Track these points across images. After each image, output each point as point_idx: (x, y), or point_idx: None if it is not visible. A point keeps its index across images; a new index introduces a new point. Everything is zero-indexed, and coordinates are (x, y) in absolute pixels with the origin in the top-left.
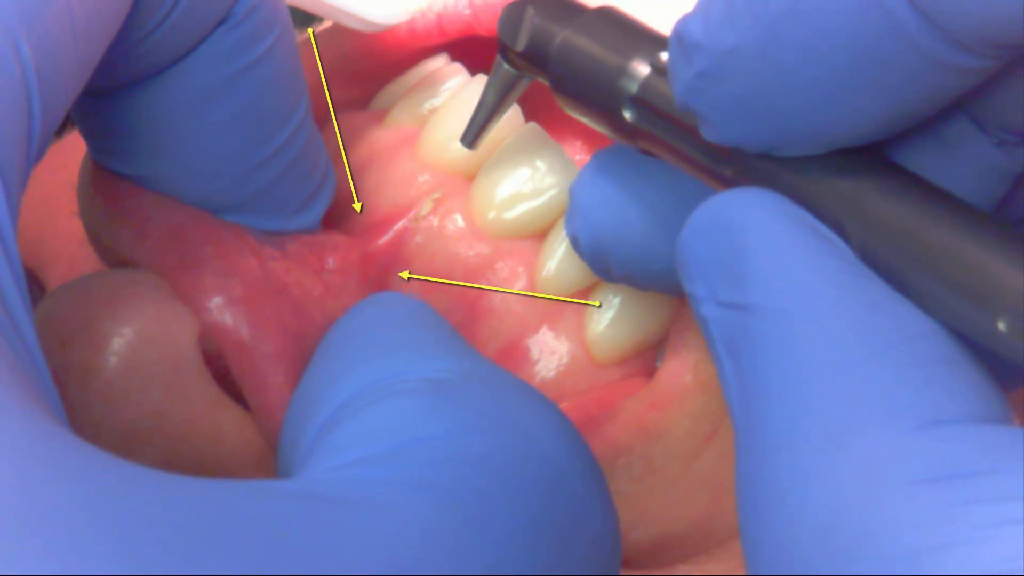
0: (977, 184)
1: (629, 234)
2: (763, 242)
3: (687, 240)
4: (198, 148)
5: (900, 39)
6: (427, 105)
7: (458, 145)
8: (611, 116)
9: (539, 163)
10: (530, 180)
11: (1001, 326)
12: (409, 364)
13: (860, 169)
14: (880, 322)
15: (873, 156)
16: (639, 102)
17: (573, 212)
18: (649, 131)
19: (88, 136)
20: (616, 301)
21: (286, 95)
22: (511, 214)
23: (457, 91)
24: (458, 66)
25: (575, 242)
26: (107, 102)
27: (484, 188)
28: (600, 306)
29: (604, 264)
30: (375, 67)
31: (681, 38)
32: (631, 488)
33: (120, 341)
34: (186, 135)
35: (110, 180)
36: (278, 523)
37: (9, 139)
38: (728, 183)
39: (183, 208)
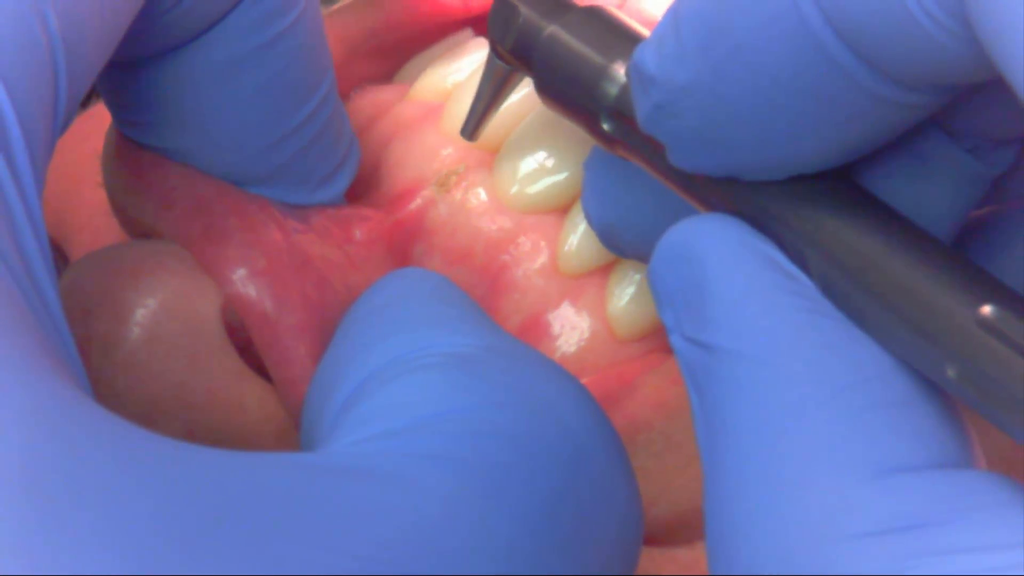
0: (953, 191)
1: (639, 216)
2: (721, 279)
3: (654, 268)
4: (223, 120)
5: (840, 77)
6: (451, 79)
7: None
8: (591, 121)
9: (562, 138)
10: (553, 155)
11: (950, 371)
12: (432, 339)
13: (823, 195)
14: (836, 364)
15: (839, 180)
16: (616, 114)
17: (584, 190)
18: (625, 143)
19: (113, 107)
20: (637, 277)
21: (311, 68)
22: (534, 188)
23: (480, 65)
24: (482, 40)
25: (588, 219)
26: (133, 73)
27: (507, 162)
28: (622, 281)
29: (615, 243)
30: (400, 41)
31: (638, 69)
32: (651, 464)
33: (143, 312)
34: (211, 107)
35: (134, 151)
36: (301, 495)
37: (35, 110)
38: (701, 201)
39: (208, 180)
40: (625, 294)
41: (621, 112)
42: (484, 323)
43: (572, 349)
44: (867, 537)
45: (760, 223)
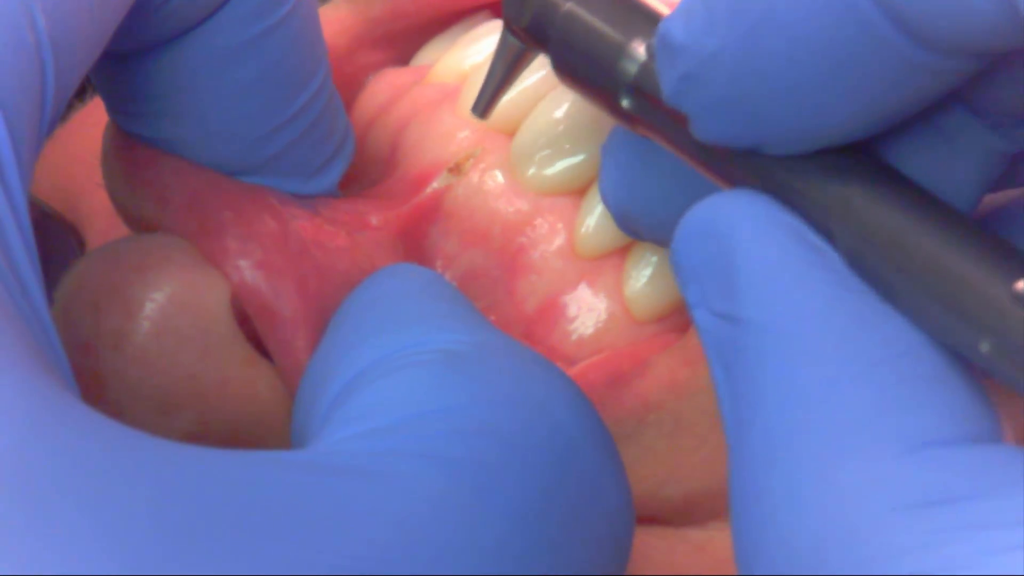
0: (974, 168)
1: (658, 201)
2: (751, 253)
3: (678, 244)
4: (218, 111)
5: (877, 45)
6: (469, 61)
7: (500, 101)
8: (610, 100)
9: (580, 120)
10: (571, 137)
11: (983, 346)
12: (422, 336)
13: (850, 170)
14: (868, 339)
15: (865, 155)
16: (636, 91)
17: (602, 174)
18: (646, 120)
19: (108, 98)
20: (655, 259)
21: (306, 59)
22: (551, 171)
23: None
24: (499, 23)
25: (605, 204)
26: (127, 65)
27: (524, 144)
28: (639, 263)
29: (632, 227)
30: (408, 28)
31: (664, 40)
32: (662, 444)
33: (152, 306)
34: (206, 98)
35: (131, 147)
36: (290, 495)
37: (23, 110)
38: (723, 177)
39: (202, 173)
40: (642, 276)
41: (641, 89)
42: (475, 320)
43: (589, 331)
44: (900, 511)
45: (785, 198)
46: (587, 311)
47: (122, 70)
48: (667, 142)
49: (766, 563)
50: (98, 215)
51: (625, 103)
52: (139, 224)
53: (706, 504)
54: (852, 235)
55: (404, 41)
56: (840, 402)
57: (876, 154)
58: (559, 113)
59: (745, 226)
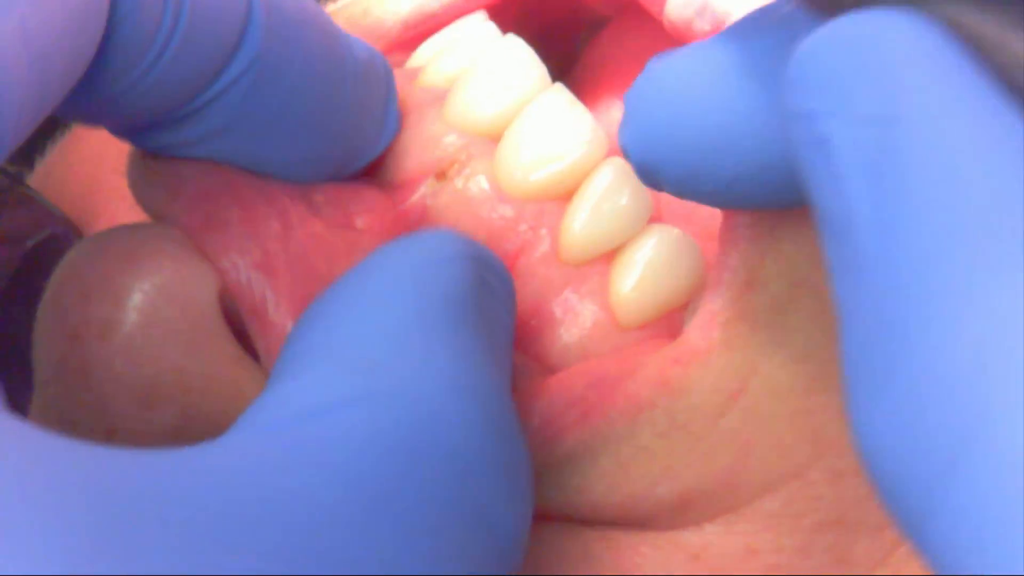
0: None
1: (683, 148)
2: (920, 53)
3: (813, 51)
4: (265, 159)
5: None
6: (457, 65)
7: (484, 106)
8: None
9: (565, 125)
10: (555, 142)
11: None
12: (359, 329)
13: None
14: None
15: None
16: None
17: (625, 123)
18: None
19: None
20: (641, 264)
21: (330, 91)
22: (535, 176)
23: (484, 52)
24: (490, 26)
25: (625, 153)
26: (152, 137)
27: (509, 150)
28: (625, 269)
29: (653, 180)
30: (430, 31)
31: None
32: (655, 443)
33: (141, 296)
34: (246, 153)
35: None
36: (192, 496)
37: None
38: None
39: (218, 171)
40: (628, 282)
41: None
42: (429, 321)
43: (575, 338)
44: None
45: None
46: (572, 317)
47: (149, 141)
48: None
49: (905, 379)
50: (102, 215)
51: None
52: (155, 216)
53: (701, 503)
54: (1008, 62)
55: (418, 42)
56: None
57: None
58: (544, 118)
59: (910, 31)
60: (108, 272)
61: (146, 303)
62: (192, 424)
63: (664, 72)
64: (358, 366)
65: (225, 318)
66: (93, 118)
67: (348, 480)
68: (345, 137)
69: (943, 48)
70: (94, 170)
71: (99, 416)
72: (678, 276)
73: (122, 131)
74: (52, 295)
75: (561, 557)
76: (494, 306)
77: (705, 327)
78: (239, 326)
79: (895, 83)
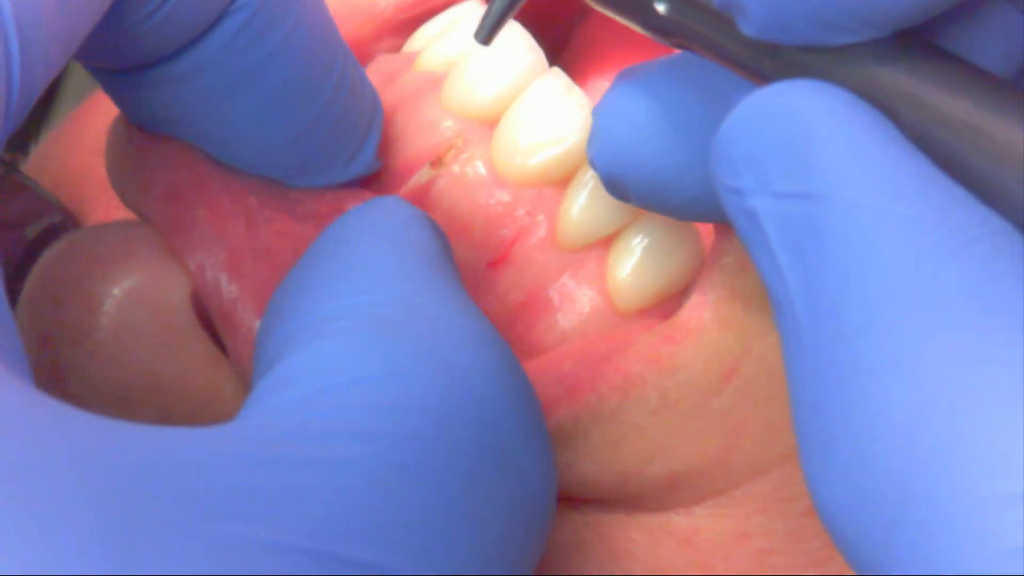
0: (1004, 53)
1: (647, 166)
2: (830, 128)
3: (733, 128)
4: (241, 128)
5: None
6: (454, 50)
7: (481, 91)
8: (643, 10)
9: (562, 109)
10: (552, 127)
11: None
12: (358, 296)
13: (912, 57)
14: (964, 215)
15: (920, 43)
16: None
17: (592, 137)
18: (685, 25)
19: (126, 113)
20: (639, 249)
21: (320, 62)
22: (533, 161)
23: None
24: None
25: (592, 166)
26: (136, 86)
27: (506, 135)
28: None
29: (619, 193)
30: (426, 13)
31: None
32: (646, 421)
33: (111, 301)
34: (226, 119)
35: (133, 132)
36: (223, 473)
37: None
38: (772, 80)
39: (187, 167)
40: (625, 267)
41: None
42: (422, 277)
43: (572, 323)
44: (1006, 385)
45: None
46: (570, 303)
47: (133, 91)
48: (709, 48)
49: (848, 444)
50: (96, 202)
51: (661, 7)
52: (132, 210)
53: (692, 483)
54: (925, 120)
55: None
56: (940, 275)
57: (926, 41)
58: (541, 103)
59: (821, 103)
60: (79, 276)
61: (117, 308)
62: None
63: (628, 92)
64: (379, 331)
65: (200, 319)
66: (102, 54)
67: (383, 445)
68: (318, 134)
69: (854, 115)
70: (89, 157)
71: None
72: (676, 261)
73: (119, 68)
74: (26, 299)
75: (551, 544)
76: (453, 263)
77: (698, 307)
78: (215, 326)
79: (810, 160)
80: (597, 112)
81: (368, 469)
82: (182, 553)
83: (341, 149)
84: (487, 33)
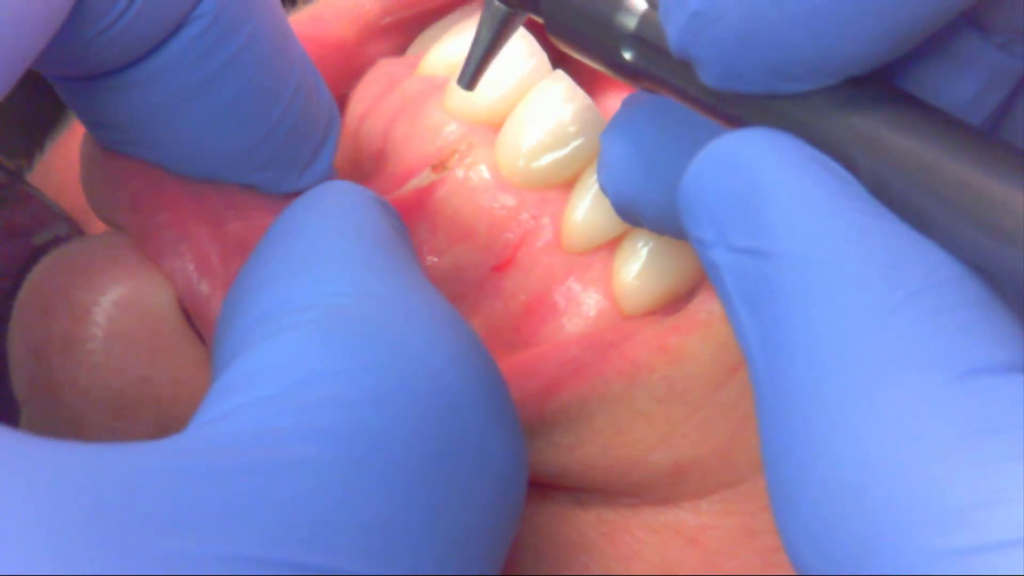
0: (983, 89)
1: (655, 190)
2: (779, 182)
3: (693, 180)
4: (197, 136)
5: None
6: (458, 53)
7: (485, 95)
8: (610, 55)
9: (566, 112)
10: (556, 129)
11: None
12: (310, 287)
13: (869, 101)
14: (907, 266)
15: (880, 86)
16: (638, 41)
17: (600, 164)
18: (650, 71)
19: (88, 125)
20: (644, 252)
21: (277, 71)
22: (537, 164)
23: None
24: None
25: (604, 192)
26: (94, 94)
27: (510, 138)
28: (628, 257)
29: (633, 217)
30: (419, 15)
31: None
32: (653, 409)
33: (99, 310)
34: (182, 126)
35: (97, 149)
36: (175, 486)
37: None
38: (735, 123)
39: (148, 173)
40: (631, 270)
41: (644, 39)
42: (375, 263)
43: (578, 327)
44: (958, 439)
45: (803, 136)
46: (576, 306)
47: (91, 99)
48: (674, 92)
49: (807, 501)
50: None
51: (627, 55)
52: (107, 222)
53: (695, 475)
54: (880, 165)
55: (419, 28)
56: (883, 331)
57: (891, 84)
58: (545, 106)
59: (770, 156)
60: (65, 287)
61: (105, 316)
62: (168, 431)
63: (634, 119)
64: (331, 322)
65: (190, 323)
66: (60, 63)
67: (338, 442)
68: (274, 141)
69: (804, 165)
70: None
71: (75, 431)
72: (681, 264)
73: (78, 76)
74: (17, 313)
75: (556, 543)
76: (409, 243)
77: (706, 300)
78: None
79: (760, 215)
80: (604, 137)
81: (322, 469)
82: (131, 569)
83: (297, 157)
84: (469, 79)
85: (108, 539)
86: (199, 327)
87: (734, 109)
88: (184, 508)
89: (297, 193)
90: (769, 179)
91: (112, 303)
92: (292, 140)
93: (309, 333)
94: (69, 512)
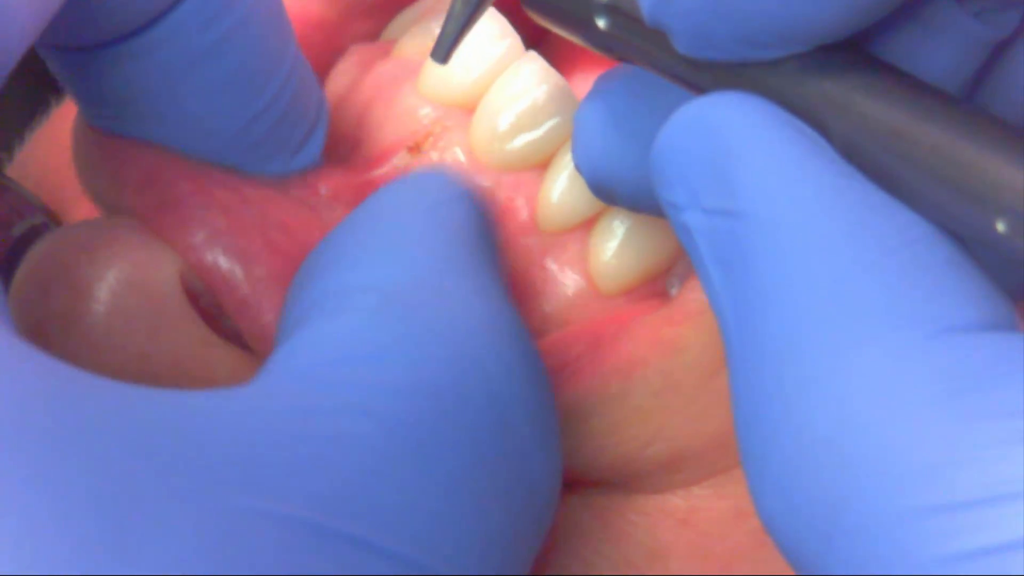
0: (958, 58)
1: (630, 166)
2: (750, 143)
3: (665, 144)
4: (191, 111)
5: None
6: (432, 36)
7: (458, 77)
8: (584, 25)
9: (539, 93)
10: (530, 110)
11: (1000, 226)
12: (383, 268)
13: (841, 67)
14: (879, 225)
15: (853, 52)
16: (612, 10)
17: (575, 141)
18: (624, 40)
19: (78, 100)
20: (620, 231)
21: (272, 49)
22: (511, 146)
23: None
24: None
25: (579, 170)
26: (90, 67)
27: (484, 120)
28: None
29: (607, 194)
30: None
31: None
32: (649, 403)
33: (100, 286)
34: (176, 100)
35: (93, 132)
36: (236, 439)
37: None
38: (709, 91)
39: (154, 151)
40: (608, 249)
41: (618, 8)
42: (448, 256)
43: (556, 307)
44: (932, 396)
45: (776, 103)
46: (553, 286)
47: (87, 73)
48: (648, 62)
49: (779, 458)
50: (78, 201)
51: (602, 24)
52: (110, 211)
53: (692, 464)
54: (852, 129)
55: (397, 10)
56: (857, 289)
57: (863, 50)
58: (519, 87)
59: (741, 119)
60: (66, 264)
61: (106, 293)
62: None
63: (606, 98)
64: (395, 309)
65: (191, 300)
66: (63, 31)
67: (393, 426)
68: (267, 121)
69: (775, 128)
70: (69, 157)
71: None
72: (658, 241)
73: (77, 47)
74: (15, 290)
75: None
76: (493, 244)
77: (695, 290)
78: (207, 308)
79: (731, 176)
80: (578, 116)
81: (374, 448)
82: (183, 521)
83: (288, 139)
84: (444, 53)
85: (161, 489)
86: (224, 299)
87: (708, 77)
88: (239, 465)
89: (287, 175)
90: (740, 141)
91: (114, 279)
92: (286, 120)
93: (373, 314)
94: (122, 458)
